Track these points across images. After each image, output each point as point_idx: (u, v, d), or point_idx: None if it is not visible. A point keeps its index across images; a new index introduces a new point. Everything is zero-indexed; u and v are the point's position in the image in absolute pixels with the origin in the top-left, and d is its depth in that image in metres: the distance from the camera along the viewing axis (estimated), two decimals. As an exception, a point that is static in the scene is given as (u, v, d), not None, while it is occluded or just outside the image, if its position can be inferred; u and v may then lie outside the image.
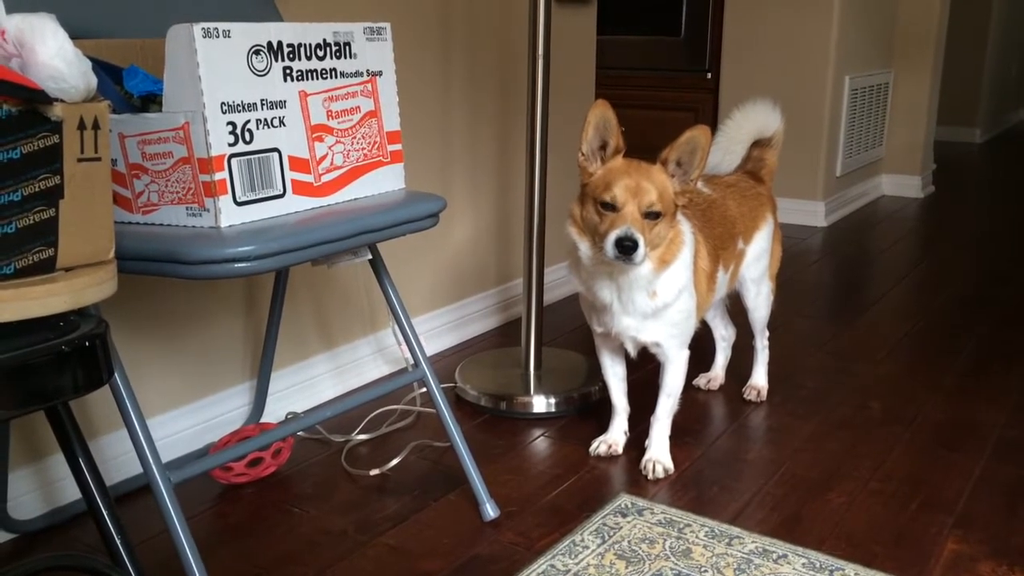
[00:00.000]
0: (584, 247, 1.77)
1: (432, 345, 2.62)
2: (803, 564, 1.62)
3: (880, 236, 4.31)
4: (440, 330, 2.68)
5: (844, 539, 1.69)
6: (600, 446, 2.04)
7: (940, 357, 2.65)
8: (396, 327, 1.88)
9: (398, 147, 1.70)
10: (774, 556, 1.64)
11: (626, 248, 1.62)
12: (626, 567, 1.61)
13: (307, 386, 2.26)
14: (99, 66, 1.48)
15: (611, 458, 2.03)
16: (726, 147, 2.23)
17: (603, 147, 1.72)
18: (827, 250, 4.03)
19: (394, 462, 1.98)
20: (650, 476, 1.92)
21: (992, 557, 1.64)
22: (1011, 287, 3.39)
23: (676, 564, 1.62)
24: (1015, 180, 5.95)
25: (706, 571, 1.59)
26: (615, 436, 2.06)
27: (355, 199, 1.61)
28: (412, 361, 1.78)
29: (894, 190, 5.12)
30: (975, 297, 3.27)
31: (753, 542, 1.67)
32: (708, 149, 1.69)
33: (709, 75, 4.60)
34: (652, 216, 1.68)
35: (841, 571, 1.59)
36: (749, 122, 2.25)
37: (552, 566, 1.62)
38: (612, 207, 1.66)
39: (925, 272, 3.67)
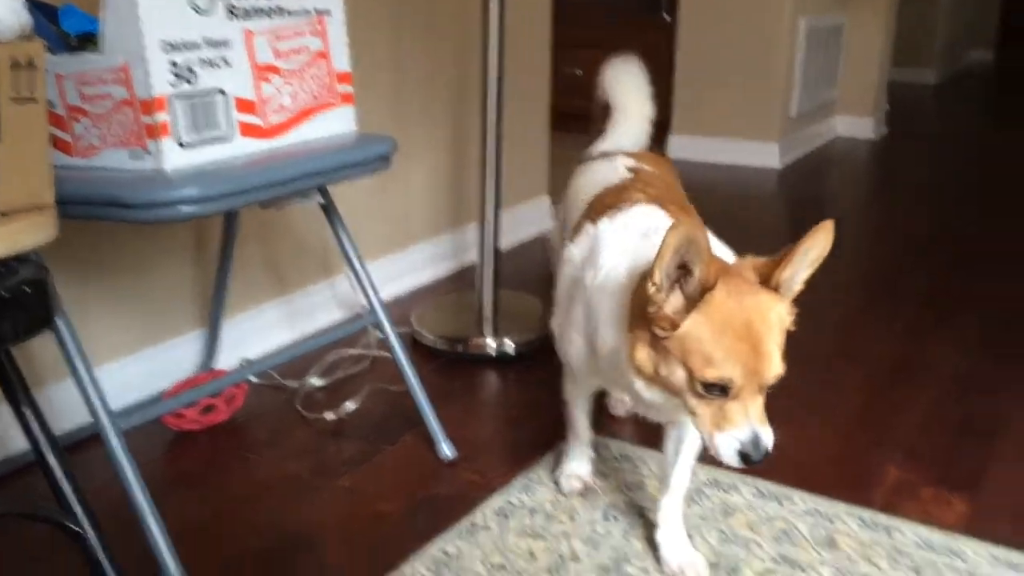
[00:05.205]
0: (643, 387, 1.26)
1: (387, 290, 2.61)
2: (752, 492, 1.66)
3: (834, 178, 4.36)
4: (395, 275, 2.67)
5: (792, 468, 1.74)
6: (571, 482, 1.69)
7: (892, 298, 2.70)
8: (350, 272, 1.87)
9: (349, 88, 1.67)
10: (724, 486, 1.68)
11: (754, 460, 1.16)
12: (582, 502, 1.64)
13: (260, 333, 2.25)
14: (33, 4, 1.42)
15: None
16: (639, 127, 1.89)
17: (681, 267, 1.15)
18: (782, 192, 4.06)
19: (350, 406, 1.98)
20: None
21: (934, 484, 1.70)
22: (961, 228, 3.45)
23: (630, 496, 1.65)
24: (965, 121, 6.03)
25: (656, 500, 1.62)
26: (583, 467, 1.71)
27: (305, 141, 1.59)
28: (367, 306, 1.78)
29: (848, 131, 5.16)
30: (927, 238, 3.33)
31: (704, 474, 1.71)
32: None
33: (667, 17, 4.57)
34: None
35: (788, 498, 1.64)
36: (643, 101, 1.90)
37: (509, 502, 1.64)
38: (721, 389, 1.15)
39: (878, 214, 3.72)
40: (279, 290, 2.32)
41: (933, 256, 3.07)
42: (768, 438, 1.16)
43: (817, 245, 1.20)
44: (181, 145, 1.39)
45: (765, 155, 4.39)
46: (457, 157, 2.87)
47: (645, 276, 1.17)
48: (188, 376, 2.03)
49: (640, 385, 1.24)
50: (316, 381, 2.10)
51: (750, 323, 1.13)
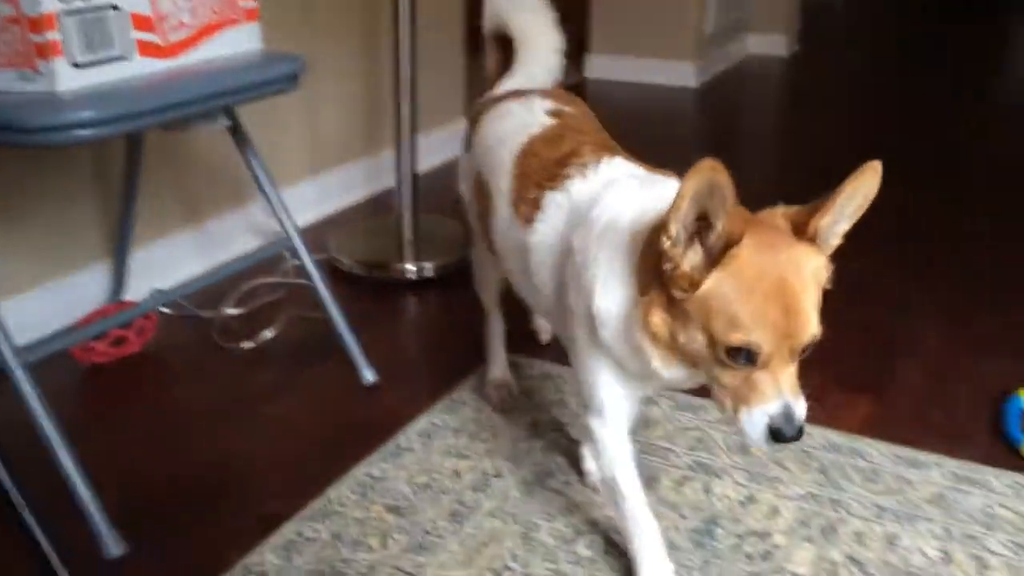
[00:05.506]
0: (660, 362, 1.09)
1: (303, 216, 2.55)
2: (669, 405, 1.71)
3: (749, 96, 4.40)
4: (311, 201, 2.62)
5: (708, 382, 1.79)
6: None
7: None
8: (264, 197, 1.81)
9: (252, 4, 1.61)
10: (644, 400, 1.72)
11: (787, 437, 1.02)
12: (505, 420, 1.67)
13: (171, 262, 2.18)
14: (-102, -89, 1.32)
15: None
16: (548, 60, 1.65)
17: (700, 218, 1.00)
18: (698, 111, 4.09)
19: (268, 334, 1.95)
20: None
21: (841, 389, 1.77)
22: (873, 142, 3.54)
23: (553, 414, 1.68)
24: (875, 37, 6.13)
25: (578, 416, 1.66)
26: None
27: (207, 60, 1.52)
28: (282, 232, 1.74)
29: (761, 49, 5.19)
30: (840, 152, 3.40)
31: (624, 390, 1.75)
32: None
33: (580, -68, 4.49)
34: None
35: (703, 408, 1.69)
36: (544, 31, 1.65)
37: (433, 424, 1.65)
38: (748, 357, 1.00)
39: (792, 131, 3.78)
40: (190, 218, 2.25)
41: (844, 170, 3.13)
42: (802, 411, 1.02)
43: (862, 190, 1.05)
44: (75, 65, 1.32)
45: (681, 74, 4.39)
46: (370, 79, 2.79)
47: (657, 229, 1.02)
48: (95, 308, 1.96)
49: (657, 360, 1.07)
50: (232, 310, 2.06)
51: (783, 280, 0.98)
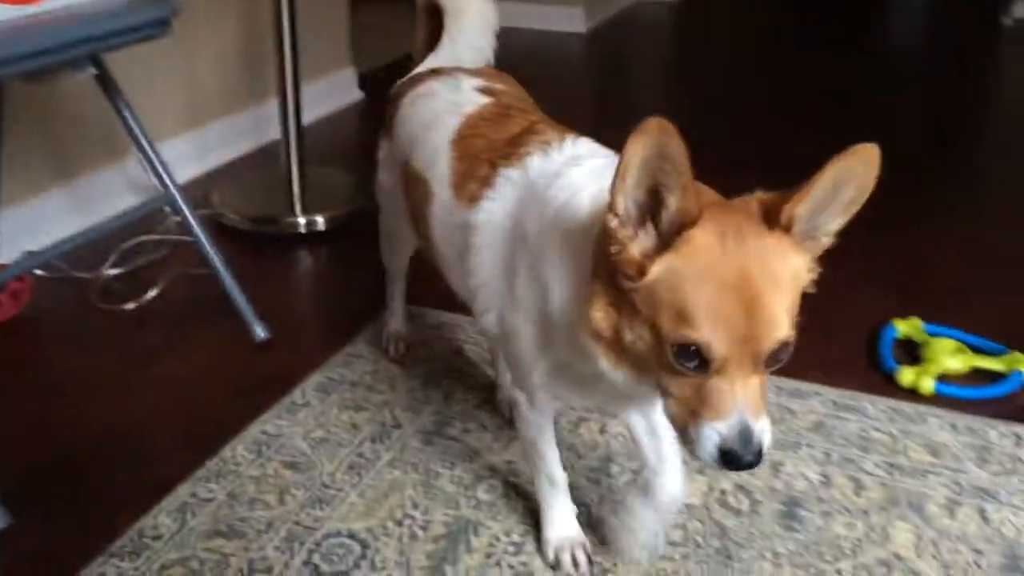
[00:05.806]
0: (607, 364, 0.95)
1: (183, 171, 2.45)
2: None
3: (639, 41, 4.43)
4: (191, 154, 2.52)
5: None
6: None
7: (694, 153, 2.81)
8: (138, 151, 1.73)
9: (115, -54, 1.51)
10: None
11: (741, 462, 0.86)
12: (402, 370, 1.66)
13: (44, 223, 2.07)
14: None
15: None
16: (479, 38, 1.51)
17: (651, 192, 0.87)
18: (589, 57, 4.09)
19: (152, 294, 1.88)
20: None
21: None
22: (753, 84, 3.62)
23: (450, 363, 1.69)
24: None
25: (476, 367, 1.67)
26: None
27: (68, 6, 1.43)
28: (160, 188, 1.67)
29: (648, -7, 5.22)
30: (726, 95, 3.48)
31: (520, 336, 1.76)
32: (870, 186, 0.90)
33: None
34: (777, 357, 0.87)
35: (599, 353, 1.72)
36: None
37: (329, 378, 1.63)
38: (700, 361, 0.85)
39: (680, 76, 3.83)
40: (62, 175, 2.14)
41: (732, 113, 3.21)
42: (763, 431, 0.86)
43: (850, 177, 0.87)
44: (-81, 11, 1.23)
45: (570, 19, 4.38)
46: (250, 26, 2.69)
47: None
48: (-36, 274, 1.86)
49: (603, 361, 0.93)
50: (111, 271, 1.97)
51: (746, 273, 0.83)
